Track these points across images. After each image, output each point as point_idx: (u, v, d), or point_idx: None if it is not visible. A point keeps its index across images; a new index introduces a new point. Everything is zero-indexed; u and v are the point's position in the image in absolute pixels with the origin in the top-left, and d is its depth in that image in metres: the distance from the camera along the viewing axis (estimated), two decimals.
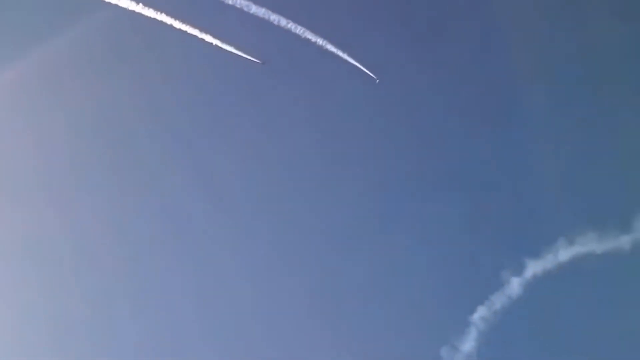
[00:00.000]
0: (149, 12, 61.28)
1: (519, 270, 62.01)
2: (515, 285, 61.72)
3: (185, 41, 63.94)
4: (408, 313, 65.94)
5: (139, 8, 61.18)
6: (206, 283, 69.98)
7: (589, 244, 61.31)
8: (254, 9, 62.75)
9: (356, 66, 65.51)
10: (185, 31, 62.48)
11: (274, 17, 63.27)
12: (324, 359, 66.60)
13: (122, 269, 70.55)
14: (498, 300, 61.49)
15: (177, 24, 62.11)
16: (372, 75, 66.37)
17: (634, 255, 60.20)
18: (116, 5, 60.86)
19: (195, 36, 62.83)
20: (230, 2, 62.16)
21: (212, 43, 63.10)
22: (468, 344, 61.06)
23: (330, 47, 64.21)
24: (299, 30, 63.70)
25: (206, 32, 62.87)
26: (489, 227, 67.11)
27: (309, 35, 63.76)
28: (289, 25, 63.58)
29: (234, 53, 63.66)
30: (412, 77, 70.31)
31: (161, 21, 61.72)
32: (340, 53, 64.49)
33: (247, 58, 64.07)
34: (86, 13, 67.28)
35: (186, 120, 72.42)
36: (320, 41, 63.99)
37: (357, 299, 67.35)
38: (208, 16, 65.42)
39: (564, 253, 61.82)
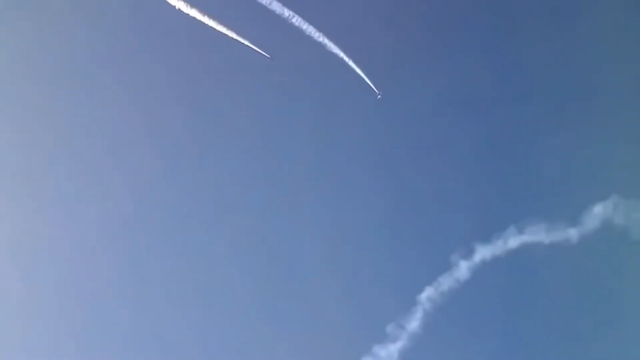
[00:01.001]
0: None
1: (468, 254, 62.88)
2: (463, 269, 62.56)
3: (198, 29, 62.48)
4: (357, 290, 66.60)
5: None
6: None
7: (538, 234, 62.50)
8: (274, 5, 61.72)
9: (362, 78, 64.97)
10: (200, 20, 60.96)
11: (291, 16, 62.25)
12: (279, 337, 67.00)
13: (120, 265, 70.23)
14: (446, 282, 62.27)
15: (193, 12, 60.65)
16: (375, 89, 65.79)
17: (580, 248, 61.73)
18: None
19: (211, 26, 61.39)
20: None
21: (226, 34, 61.69)
22: (414, 323, 61.75)
23: (341, 54, 63.53)
24: (314, 33, 62.78)
25: (222, 23, 61.45)
26: (442, 211, 68.11)
27: (325, 40, 62.98)
28: (304, 26, 62.64)
29: (245, 45, 62.27)
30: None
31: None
32: (350, 63, 63.82)
33: (257, 52, 62.72)
34: None
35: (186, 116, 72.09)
36: (335, 49, 63.25)
37: (307, 273, 67.69)
38: (224, 6, 64.52)
39: (513, 240, 62.90)
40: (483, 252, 62.80)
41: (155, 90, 71.32)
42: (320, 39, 62.81)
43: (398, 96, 68.07)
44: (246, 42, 61.82)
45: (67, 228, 70.31)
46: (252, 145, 71.06)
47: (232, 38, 61.58)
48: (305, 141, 69.98)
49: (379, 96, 65.51)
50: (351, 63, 63.85)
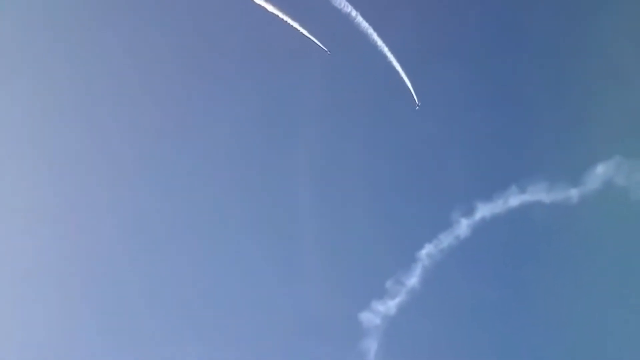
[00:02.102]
0: None
1: (469, 212, 62.91)
2: (464, 226, 62.67)
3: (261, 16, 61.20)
4: (357, 245, 66.82)
5: None
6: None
7: (539, 193, 62.46)
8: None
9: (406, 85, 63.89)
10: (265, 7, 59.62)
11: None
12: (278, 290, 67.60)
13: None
14: (446, 239, 62.42)
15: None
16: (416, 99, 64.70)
17: (580, 208, 61.79)
18: None
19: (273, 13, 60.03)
20: None
21: (287, 22, 60.35)
22: (413, 279, 62.10)
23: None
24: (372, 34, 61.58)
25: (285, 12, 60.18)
26: (444, 169, 67.86)
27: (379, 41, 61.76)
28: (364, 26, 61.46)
29: (305, 36, 61.01)
30: None
31: None
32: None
33: (316, 44, 61.54)
34: None
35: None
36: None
37: (307, 228, 67.85)
38: None
39: (514, 199, 62.89)
40: (484, 210, 62.91)
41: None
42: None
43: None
44: (306, 33, 60.70)
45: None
46: (251, 96, 70.53)
47: (293, 27, 60.53)
48: (309, 96, 69.41)
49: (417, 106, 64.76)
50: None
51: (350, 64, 67.95)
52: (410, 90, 64.06)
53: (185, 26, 70.95)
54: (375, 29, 61.16)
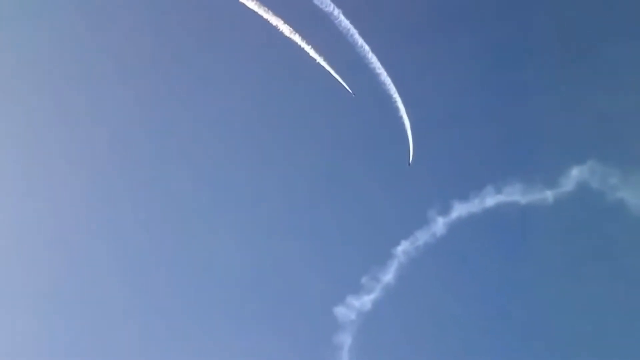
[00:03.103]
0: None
1: (445, 210, 63.45)
2: (440, 224, 63.15)
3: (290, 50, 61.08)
4: (333, 241, 67.13)
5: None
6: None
7: (514, 194, 63.22)
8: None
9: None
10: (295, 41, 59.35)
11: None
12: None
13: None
14: (422, 237, 62.86)
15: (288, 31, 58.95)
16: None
17: (555, 209, 62.70)
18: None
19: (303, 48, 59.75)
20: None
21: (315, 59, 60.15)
22: (388, 275, 62.40)
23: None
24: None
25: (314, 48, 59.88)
26: (422, 169, 68.25)
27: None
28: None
29: (332, 76, 60.84)
30: None
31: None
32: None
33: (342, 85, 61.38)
34: None
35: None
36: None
37: (290, 223, 68.11)
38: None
39: (490, 199, 63.55)
40: (460, 209, 63.48)
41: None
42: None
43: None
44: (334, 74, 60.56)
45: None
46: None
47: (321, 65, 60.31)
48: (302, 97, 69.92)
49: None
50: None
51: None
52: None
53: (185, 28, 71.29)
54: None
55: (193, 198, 69.45)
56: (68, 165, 70.86)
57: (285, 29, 56.95)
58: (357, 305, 62.15)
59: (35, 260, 69.30)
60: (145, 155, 71.10)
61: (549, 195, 62.72)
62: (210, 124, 71.28)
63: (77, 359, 66.30)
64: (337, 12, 57.59)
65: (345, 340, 62.03)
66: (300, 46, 57.67)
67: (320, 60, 58.19)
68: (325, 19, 58.17)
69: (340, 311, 61.99)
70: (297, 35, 57.49)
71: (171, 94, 71.03)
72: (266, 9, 56.16)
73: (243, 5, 55.32)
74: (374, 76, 59.56)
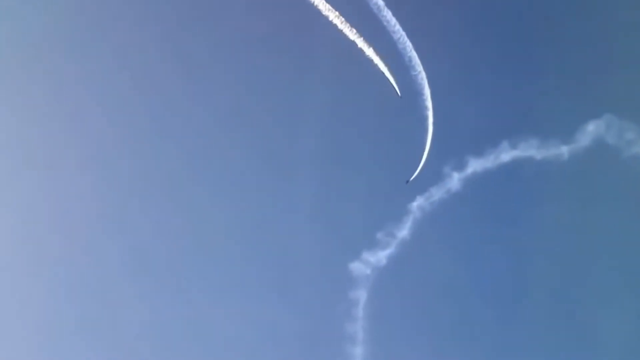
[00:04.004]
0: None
1: (460, 166, 63.23)
2: (455, 180, 63.04)
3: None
4: (348, 197, 67.20)
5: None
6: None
7: (530, 150, 62.87)
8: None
9: None
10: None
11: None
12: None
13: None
14: (437, 193, 62.79)
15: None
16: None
17: (571, 164, 62.46)
18: None
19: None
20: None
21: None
22: (403, 231, 62.56)
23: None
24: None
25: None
26: (438, 123, 67.62)
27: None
28: None
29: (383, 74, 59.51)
30: None
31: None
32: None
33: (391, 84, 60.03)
34: None
35: None
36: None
37: (306, 180, 68.23)
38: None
39: (506, 155, 63.24)
40: (475, 165, 63.25)
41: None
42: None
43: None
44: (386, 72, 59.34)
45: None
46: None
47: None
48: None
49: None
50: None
51: None
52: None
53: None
54: None
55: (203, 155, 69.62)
56: (69, 165, 71.52)
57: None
58: (372, 260, 62.62)
59: (36, 260, 69.90)
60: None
61: (564, 150, 62.40)
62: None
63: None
64: None
65: (361, 295, 62.73)
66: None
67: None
68: None
69: (355, 267, 62.53)
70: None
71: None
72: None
73: None
74: (388, 28, 58.97)
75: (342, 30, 57.08)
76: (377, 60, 58.80)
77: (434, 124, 60.82)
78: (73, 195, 70.26)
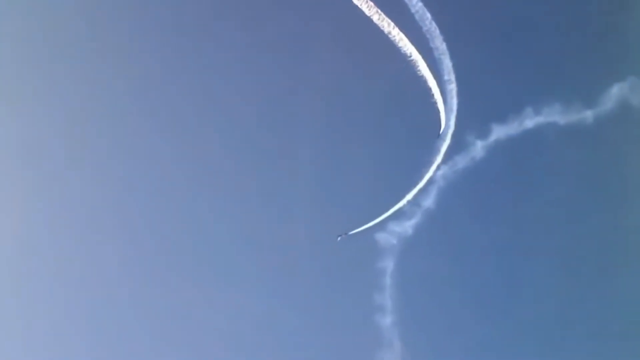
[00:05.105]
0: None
1: (484, 133, 63.09)
2: (479, 148, 62.94)
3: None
4: (372, 167, 67.54)
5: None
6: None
7: (553, 115, 62.51)
8: None
9: None
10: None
11: None
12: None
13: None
14: (461, 161, 62.77)
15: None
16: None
17: (595, 129, 62.11)
18: None
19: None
20: None
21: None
22: (428, 200, 62.80)
23: None
24: None
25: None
26: (460, 91, 67.30)
27: None
28: None
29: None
30: None
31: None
32: None
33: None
34: None
35: None
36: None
37: (331, 149, 69.02)
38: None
39: (529, 121, 62.96)
40: (499, 132, 63.07)
41: None
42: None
43: None
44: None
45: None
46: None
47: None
48: None
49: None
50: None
51: None
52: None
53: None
54: None
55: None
56: (70, 165, 71.97)
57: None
58: (398, 230, 63.02)
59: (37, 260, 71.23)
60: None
61: (588, 114, 62.02)
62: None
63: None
64: None
65: (388, 265, 63.28)
66: None
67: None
68: None
69: (381, 237, 63.01)
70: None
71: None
72: None
73: None
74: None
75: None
76: (395, 31, 58.85)
77: (458, 92, 60.51)
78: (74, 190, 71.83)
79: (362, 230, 62.75)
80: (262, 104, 70.25)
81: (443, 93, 60.47)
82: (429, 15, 59.60)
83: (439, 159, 61.71)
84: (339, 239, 63.45)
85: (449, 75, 60.62)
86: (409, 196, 61.86)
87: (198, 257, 69.33)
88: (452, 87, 60.74)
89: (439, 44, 60.23)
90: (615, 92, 61.58)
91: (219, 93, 71.02)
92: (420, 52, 59.72)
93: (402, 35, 58.91)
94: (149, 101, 71.48)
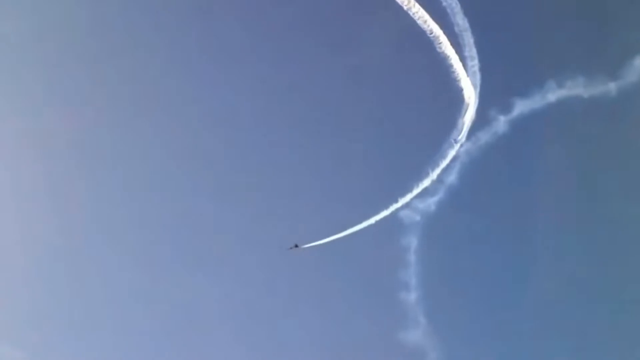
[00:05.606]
0: None
1: (506, 108, 62.75)
2: (502, 123, 62.63)
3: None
4: (396, 142, 67.93)
5: None
6: None
7: (577, 88, 61.95)
8: None
9: None
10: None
11: None
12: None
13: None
14: (484, 136, 62.54)
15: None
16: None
17: (618, 101, 61.44)
18: None
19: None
20: None
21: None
22: (451, 176, 62.79)
23: None
24: None
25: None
26: (483, 65, 67.00)
27: None
28: None
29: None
30: None
31: None
32: None
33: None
34: None
35: None
36: None
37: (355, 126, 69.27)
38: None
39: (552, 95, 62.45)
40: (521, 107, 62.69)
41: None
42: None
43: None
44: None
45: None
46: None
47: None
48: None
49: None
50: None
51: None
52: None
53: None
54: None
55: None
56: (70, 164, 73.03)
57: None
58: (421, 207, 63.12)
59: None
60: None
61: (612, 87, 61.40)
62: None
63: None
64: None
65: (412, 241, 63.56)
66: None
67: None
68: None
69: (405, 214, 63.15)
70: None
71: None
72: None
73: None
74: None
75: None
76: (416, 8, 58.58)
77: (480, 68, 60.21)
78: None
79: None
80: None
81: (465, 69, 60.12)
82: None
83: (462, 135, 61.53)
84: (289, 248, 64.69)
85: (471, 50, 60.20)
86: (434, 174, 61.93)
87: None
88: (474, 63, 60.35)
89: (460, 20, 59.87)
90: (639, 64, 60.79)
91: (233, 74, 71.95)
92: (441, 28, 59.59)
93: (423, 11, 58.57)
94: (149, 101, 72.50)
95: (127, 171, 73.11)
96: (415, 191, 62.25)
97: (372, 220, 63.09)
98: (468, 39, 59.98)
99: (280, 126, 71.66)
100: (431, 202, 62.88)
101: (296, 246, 64.78)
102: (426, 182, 62.21)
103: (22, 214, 72.59)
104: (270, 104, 71.14)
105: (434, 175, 62.08)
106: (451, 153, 62.00)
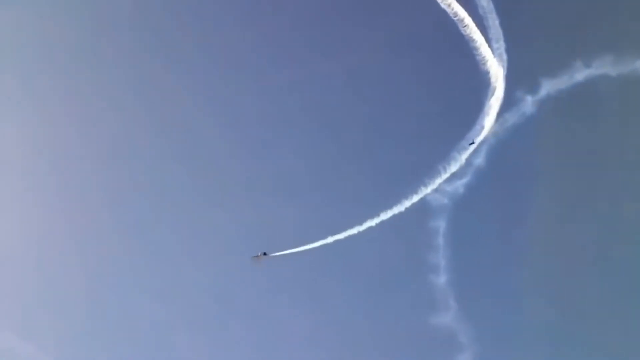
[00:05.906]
0: None
1: (534, 89, 62.37)
2: (529, 104, 62.34)
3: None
4: (424, 125, 68.73)
5: None
6: None
7: (604, 67, 61.34)
8: None
9: None
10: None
11: None
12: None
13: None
14: (512, 118, 62.28)
15: None
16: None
17: None
18: None
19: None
20: None
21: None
22: (479, 159, 62.67)
23: None
24: None
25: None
26: (509, 48, 66.62)
27: None
28: None
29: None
30: None
31: None
32: None
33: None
34: None
35: None
36: None
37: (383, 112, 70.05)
38: None
39: (580, 74, 61.94)
40: (549, 87, 62.29)
41: None
42: None
43: None
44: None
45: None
46: None
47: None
48: None
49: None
50: None
51: None
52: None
53: None
54: None
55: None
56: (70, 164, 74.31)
57: None
58: (449, 190, 63.19)
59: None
60: None
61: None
62: None
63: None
64: None
65: (440, 224, 63.70)
66: None
67: None
68: None
69: (433, 197, 63.22)
70: None
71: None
72: None
73: None
74: None
75: None
76: None
77: (506, 49, 59.98)
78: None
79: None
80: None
81: (491, 50, 59.93)
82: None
83: (490, 118, 61.39)
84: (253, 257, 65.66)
85: (497, 32, 60.00)
86: (462, 159, 62.00)
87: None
88: (500, 45, 60.14)
89: (485, 3, 59.75)
90: None
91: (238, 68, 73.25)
92: (466, 11, 59.52)
93: None
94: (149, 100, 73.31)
95: (127, 171, 74.95)
96: (444, 175, 62.44)
97: (401, 208, 63.56)
98: (493, 20, 59.86)
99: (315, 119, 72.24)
100: (459, 185, 62.98)
101: (264, 254, 65.95)
102: (454, 166, 62.38)
103: (31, 211, 75.02)
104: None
105: (462, 159, 62.17)
106: (478, 138, 62.08)
